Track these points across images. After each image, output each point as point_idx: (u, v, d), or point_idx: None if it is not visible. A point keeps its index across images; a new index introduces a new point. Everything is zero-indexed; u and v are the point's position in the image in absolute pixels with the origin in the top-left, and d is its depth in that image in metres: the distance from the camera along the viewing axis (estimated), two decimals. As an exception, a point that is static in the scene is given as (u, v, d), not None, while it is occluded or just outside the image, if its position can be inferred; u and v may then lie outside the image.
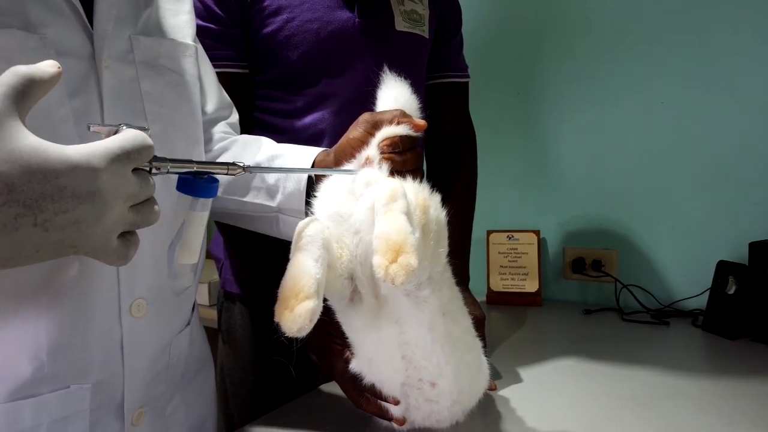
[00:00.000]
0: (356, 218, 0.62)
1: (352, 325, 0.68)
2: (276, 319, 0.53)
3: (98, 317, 0.62)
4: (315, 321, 0.54)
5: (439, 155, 1.19)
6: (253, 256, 0.95)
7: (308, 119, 0.98)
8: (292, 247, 0.58)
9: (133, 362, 0.65)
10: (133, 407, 0.66)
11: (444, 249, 0.65)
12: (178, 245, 0.56)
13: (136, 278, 0.65)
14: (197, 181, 0.54)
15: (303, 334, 0.53)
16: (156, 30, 0.70)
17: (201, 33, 0.90)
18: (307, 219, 0.61)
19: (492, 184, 1.63)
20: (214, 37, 0.94)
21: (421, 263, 0.59)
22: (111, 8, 0.62)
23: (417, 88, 1.11)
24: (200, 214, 0.56)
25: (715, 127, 1.38)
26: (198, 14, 0.91)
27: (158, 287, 0.68)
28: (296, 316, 0.52)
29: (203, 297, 1.80)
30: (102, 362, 0.63)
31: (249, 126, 1.00)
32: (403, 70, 1.06)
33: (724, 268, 1.23)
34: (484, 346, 0.88)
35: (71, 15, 0.58)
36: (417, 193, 0.61)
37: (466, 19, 1.23)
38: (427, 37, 1.09)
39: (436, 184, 1.16)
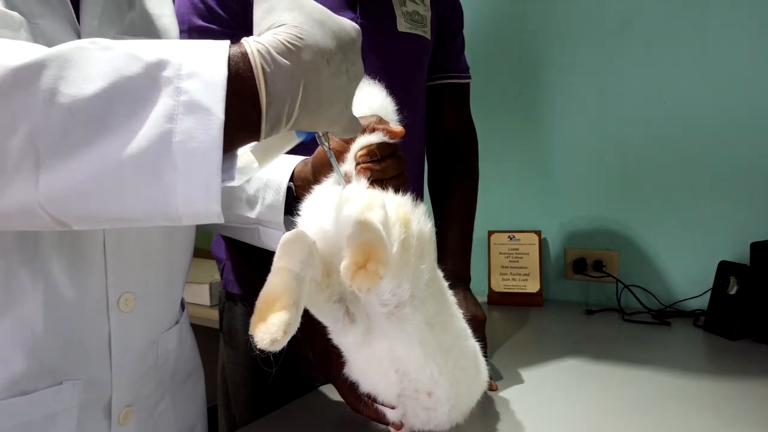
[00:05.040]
0: (338, 236, 0.58)
1: (345, 343, 0.67)
2: (250, 331, 0.50)
3: (88, 311, 0.62)
4: (290, 334, 0.50)
5: (441, 156, 1.19)
6: (254, 257, 0.95)
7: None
8: (274, 258, 0.55)
9: (120, 358, 0.65)
10: (120, 405, 0.66)
11: (428, 264, 0.62)
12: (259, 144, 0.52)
13: (124, 272, 0.65)
14: None
15: (277, 347, 0.49)
16: (140, 32, 0.70)
17: (203, 34, 0.90)
18: (293, 231, 0.58)
19: (493, 185, 1.63)
20: (216, 37, 0.94)
21: (401, 283, 0.57)
22: (96, 6, 0.62)
23: (418, 88, 1.13)
24: (292, 134, 0.55)
25: (717, 128, 1.37)
26: (200, 15, 0.91)
27: (146, 282, 0.68)
28: (269, 326, 0.49)
29: (204, 297, 1.80)
30: (92, 357, 0.63)
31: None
32: (404, 71, 1.07)
33: (725, 269, 1.23)
34: (485, 347, 0.88)
35: (60, 9, 0.59)
36: (398, 206, 0.59)
37: (467, 21, 1.23)
38: (429, 38, 1.09)
39: (437, 185, 1.18)
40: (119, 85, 0.41)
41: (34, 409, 0.58)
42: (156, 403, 0.73)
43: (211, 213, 0.44)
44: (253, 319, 0.50)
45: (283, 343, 0.49)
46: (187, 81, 0.42)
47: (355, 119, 0.54)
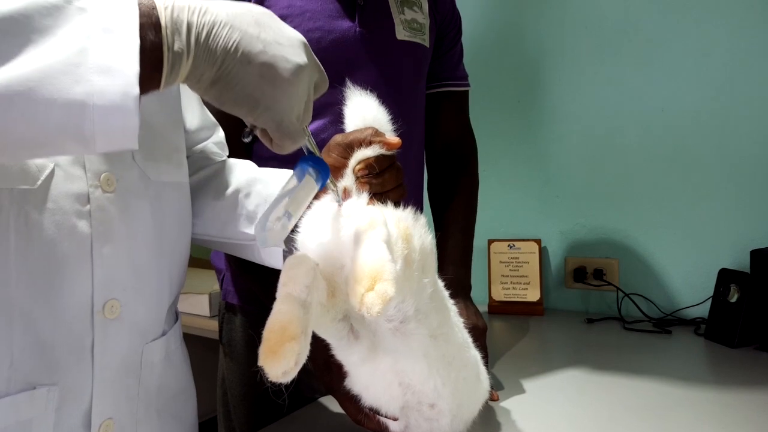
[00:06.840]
0: (340, 253, 0.58)
1: (349, 360, 0.67)
2: (259, 363, 0.49)
3: (70, 315, 0.60)
4: (301, 364, 0.50)
5: (440, 164, 1.19)
6: (254, 268, 0.95)
7: (309, 129, 0.98)
8: (279, 284, 0.54)
9: (103, 365, 0.63)
10: (101, 416, 0.64)
11: (430, 278, 0.61)
12: (285, 198, 0.53)
13: (111, 278, 0.63)
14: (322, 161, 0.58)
15: (288, 379, 0.48)
16: None
17: None
18: (296, 255, 0.57)
19: (493, 193, 1.63)
20: None
21: (405, 298, 0.57)
22: None
23: (418, 97, 1.13)
24: (313, 182, 0.56)
25: (716, 135, 1.38)
26: None
27: (134, 290, 0.67)
28: (280, 358, 0.48)
29: (204, 308, 1.80)
30: (72, 364, 0.61)
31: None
32: (403, 79, 1.07)
33: (725, 276, 1.23)
34: (486, 356, 0.88)
35: None
36: (399, 221, 0.58)
37: (466, 28, 1.23)
38: (428, 46, 1.10)
39: (437, 193, 1.18)
40: (36, 6, 0.42)
41: (6, 413, 0.56)
42: (140, 420, 0.70)
43: (128, 128, 0.44)
44: (262, 349, 0.49)
45: (295, 373, 0.49)
46: (103, 8, 0.44)
47: (295, 131, 0.55)
